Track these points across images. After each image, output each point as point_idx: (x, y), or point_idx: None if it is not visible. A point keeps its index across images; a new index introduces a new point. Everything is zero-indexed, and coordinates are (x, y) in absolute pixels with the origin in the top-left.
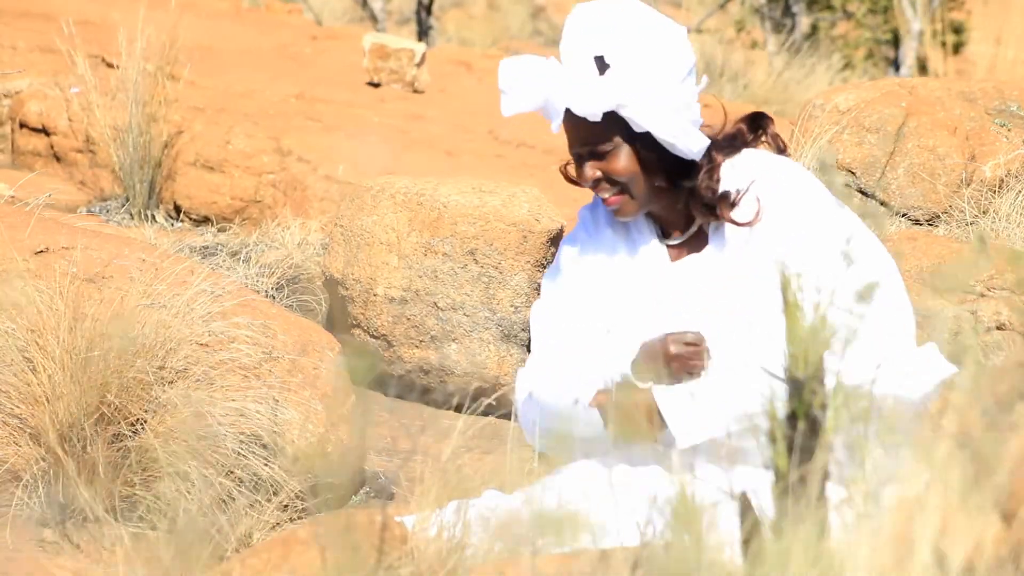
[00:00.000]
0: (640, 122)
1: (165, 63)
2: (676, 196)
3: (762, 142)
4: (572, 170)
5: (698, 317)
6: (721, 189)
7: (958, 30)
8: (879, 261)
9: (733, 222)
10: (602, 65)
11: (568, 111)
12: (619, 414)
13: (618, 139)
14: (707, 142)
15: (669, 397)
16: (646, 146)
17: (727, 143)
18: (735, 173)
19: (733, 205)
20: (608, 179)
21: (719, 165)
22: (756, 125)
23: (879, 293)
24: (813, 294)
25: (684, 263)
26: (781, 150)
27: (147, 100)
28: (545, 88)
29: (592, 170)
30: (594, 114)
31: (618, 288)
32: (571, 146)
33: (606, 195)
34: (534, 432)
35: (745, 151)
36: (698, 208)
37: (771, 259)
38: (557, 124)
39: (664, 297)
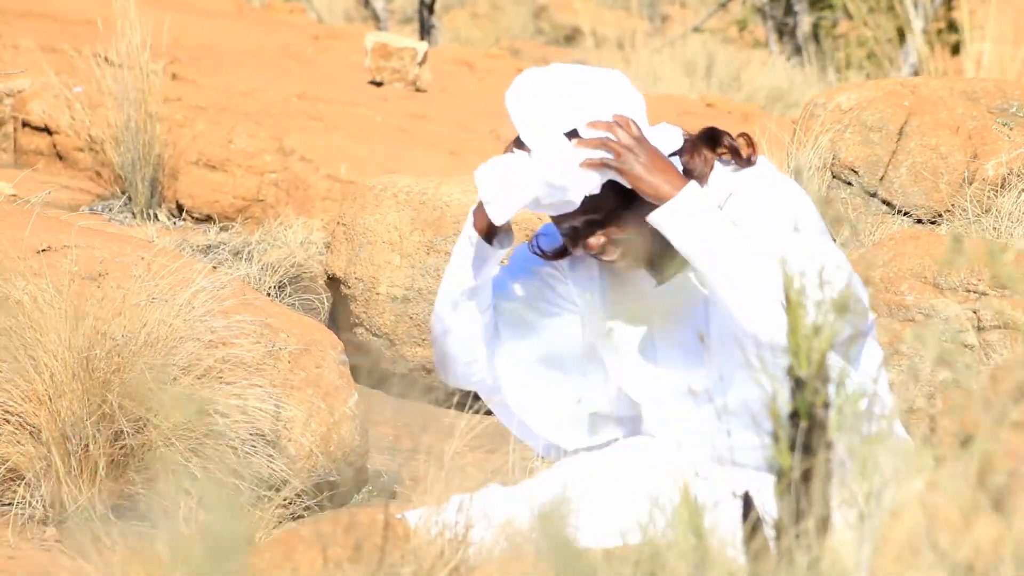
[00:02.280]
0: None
1: (167, 62)
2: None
3: (721, 154)
4: (547, 241)
5: (686, 335)
6: None
7: (959, 29)
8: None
9: None
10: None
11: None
12: (650, 158)
13: (610, 202)
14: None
15: (696, 190)
16: (636, 198)
17: (697, 169)
18: (709, 194)
19: None
20: (611, 242)
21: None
22: (713, 142)
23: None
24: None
25: (672, 282)
26: (748, 158)
27: (149, 99)
28: (534, 186)
29: (596, 239)
30: (594, 190)
31: (604, 305)
32: (562, 222)
33: (611, 258)
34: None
35: (713, 174)
36: None
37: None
38: (559, 211)
39: (652, 316)
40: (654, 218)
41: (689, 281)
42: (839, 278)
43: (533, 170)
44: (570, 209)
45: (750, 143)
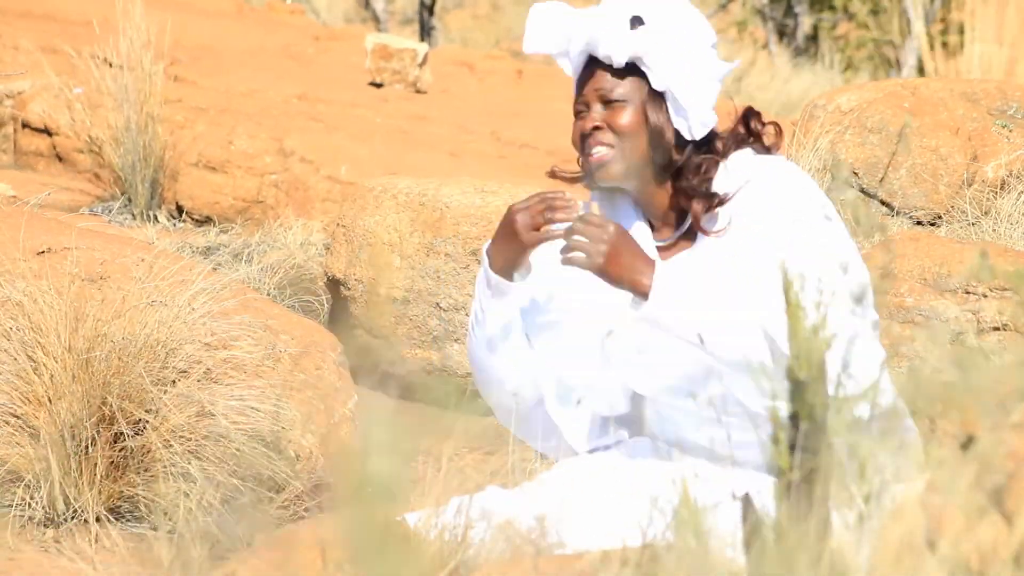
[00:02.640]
0: (664, 76)
1: (167, 63)
2: (664, 184)
3: (751, 141)
4: (561, 170)
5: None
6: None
7: (959, 31)
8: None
9: (701, 229)
10: (637, 22)
11: (588, 61)
12: (617, 249)
13: (631, 93)
14: (715, 120)
15: (668, 267)
16: (656, 111)
17: (726, 140)
18: (727, 175)
19: (717, 206)
20: (608, 129)
21: (717, 155)
22: (747, 124)
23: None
24: (813, 294)
25: (673, 262)
26: (768, 148)
27: (149, 100)
28: (573, 29)
29: (594, 118)
30: (619, 58)
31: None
32: (580, 94)
33: (595, 148)
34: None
35: (738, 154)
36: (683, 198)
37: (759, 261)
38: (573, 70)
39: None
40: (641, 317)
41: (690, 262)
42: (855, 277)
43: (582, 21)
44: (583, 57)
45: (779, 132)
